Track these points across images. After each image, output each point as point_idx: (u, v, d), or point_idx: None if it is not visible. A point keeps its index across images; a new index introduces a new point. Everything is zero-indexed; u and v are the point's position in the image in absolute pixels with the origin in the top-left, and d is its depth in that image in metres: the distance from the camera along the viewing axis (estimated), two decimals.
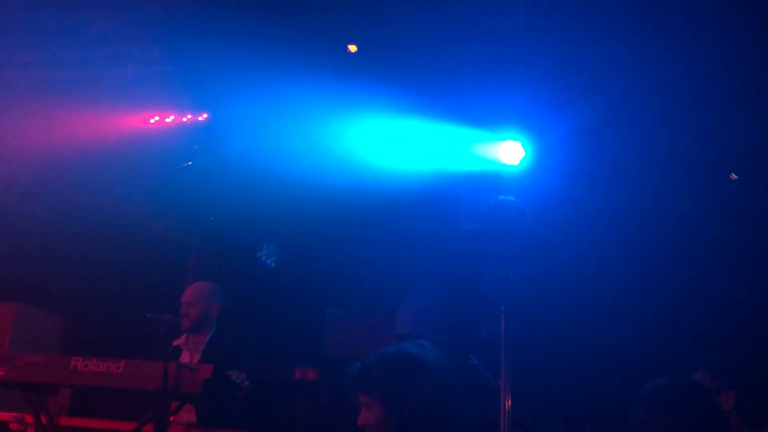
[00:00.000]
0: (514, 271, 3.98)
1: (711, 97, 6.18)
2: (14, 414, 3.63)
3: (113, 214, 6.29)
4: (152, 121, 6.00)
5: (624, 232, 6.95)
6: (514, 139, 5.34)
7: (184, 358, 4.11)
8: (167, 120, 6.02)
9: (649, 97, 6.00)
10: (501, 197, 4.29)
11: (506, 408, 5.32)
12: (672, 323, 7.11)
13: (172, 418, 3.61)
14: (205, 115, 6.15)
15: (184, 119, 6.11)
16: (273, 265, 7.21)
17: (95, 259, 6.11)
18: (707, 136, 6.53)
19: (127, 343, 4.37)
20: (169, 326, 3.75)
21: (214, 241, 7.27)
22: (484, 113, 5.72)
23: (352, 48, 6.58)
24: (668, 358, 6.79)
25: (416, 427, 2.32)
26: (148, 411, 3.43)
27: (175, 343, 4.15)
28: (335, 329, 7.54)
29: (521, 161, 5.32)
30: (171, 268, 6.77)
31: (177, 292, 6.48)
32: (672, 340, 6.97)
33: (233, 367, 3.77)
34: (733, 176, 7.95)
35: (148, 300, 5.73)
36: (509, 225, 4.09)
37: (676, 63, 5.80)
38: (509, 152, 5.37)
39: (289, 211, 7.00)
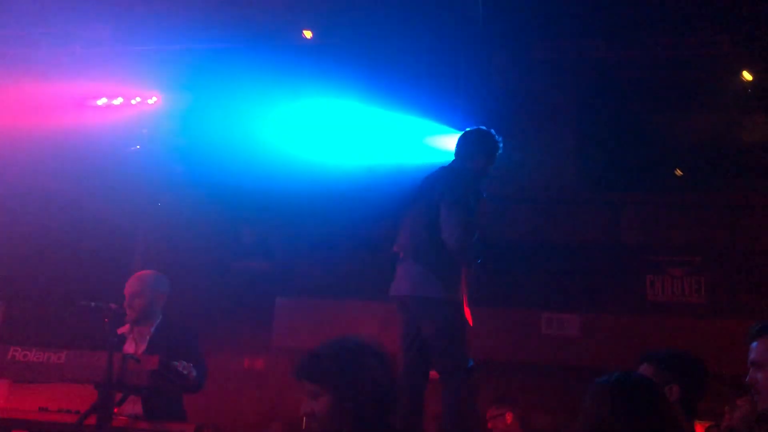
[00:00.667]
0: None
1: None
2: None
3: (56, 198, 6.09)
4: (99, 103, 5.82)
5: (573, 222, 7.09)
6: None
7: (129, 347, 4.00)
8: (115, 102, 5.85)
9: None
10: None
11: None
12: (616, 317, 7.27)
13: (116, 410, 3.52)
14: (155, 99, 5.99)
15: (133, 102, 5.94)
16: None
17: (37, 244, 5.91)
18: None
19: (70, 333, 4.24)
20: (114, 316, 3.66)
21: (162, 228, 7.12)
22: (434, 107, 5.75)
23: (308, 34, 6.50)
24: (612, 349, 6.95)
25: (369, 410, 2.35)
26: (92, 403, 3.35)
27: (119, 331, 4.03)
28: (285, 318, 7.49)
29: None
30: (117, 255, 6.60)
31: (124, 280, 6.34)
32: (616, 334, 7.13)
33: (180, 357, 3.69)
34: (678, 172, 8.16)
35: (92, 288, 5.57)
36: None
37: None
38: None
39: (239, 200, 6.90)
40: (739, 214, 7.25)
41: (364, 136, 6.30)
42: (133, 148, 6.90)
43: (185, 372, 3.59)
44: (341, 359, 2.40)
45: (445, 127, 5.90)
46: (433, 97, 6.07)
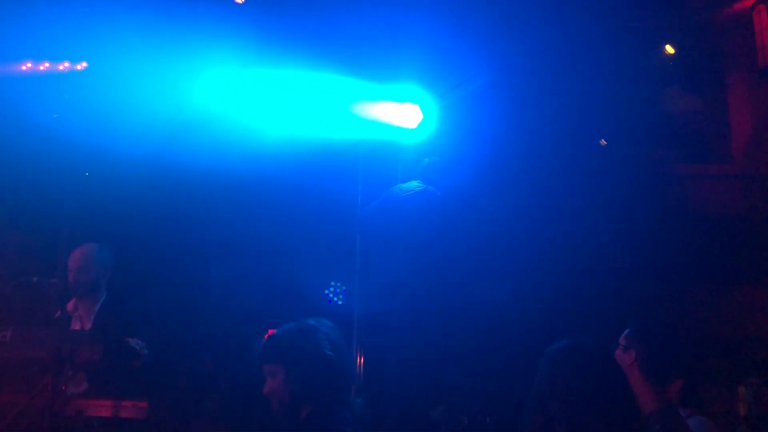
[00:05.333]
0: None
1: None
2: None
3: None
4: (24, 68, 5.49)
5: (504, 191, 7.20)
6: (413, 101, 5.28)
7: (75, 324, 3.86)
8: (41, 68, 5.53)
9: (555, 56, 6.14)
10: (427, 159, 4.71)
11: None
12: (547, 280, 7.48)
13: (63, 388, 3.41)
14: (84, 64, 5.70)
15: (61, 68, 5.64)
16: (340, 302, 7.13)
17: None
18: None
19: (11, 309, 4.05)
20: (57, 291, 3.53)
21: (90, 200, 6.82)
22: (378, 71, 5.54)
23: None
24: (545, 314, 7.17)
25: (319, 382, 2.60)
26: (39, 382, 3.23)
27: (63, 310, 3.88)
28: (220, 289, 7.37)
29: (419, 125, 5.30)
30: (43, 229, 6.30)
31: (51, 255, 6.06)
32: (548, 297, 7.35)
33: (130, 334, 3.60)
34: (603, 142, 8.44)
35: (20, 264, 5.31)
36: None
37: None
38: (406, 115, 5.31)
39: (169, 168, 6.68)
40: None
41: (305, 111, 5.90)
42: (52, 116, 6.57)
43: (138, 348, 3.51)
44: (292, 338, 2.69)
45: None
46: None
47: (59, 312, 3.46)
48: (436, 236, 4.86)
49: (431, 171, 4.99)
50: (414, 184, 4.98)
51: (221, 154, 6.30)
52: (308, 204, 6.60)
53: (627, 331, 2.91)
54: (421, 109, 5.28)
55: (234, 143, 5.96)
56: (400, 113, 5.27)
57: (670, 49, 7.48)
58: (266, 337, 2.83)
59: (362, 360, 5.90)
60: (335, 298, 7.06)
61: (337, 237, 6.18)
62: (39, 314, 3.67)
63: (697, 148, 7.83)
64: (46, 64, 5.90)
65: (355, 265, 6.18)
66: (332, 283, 7.09)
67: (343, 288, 7.06)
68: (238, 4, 6.24)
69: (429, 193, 4.88)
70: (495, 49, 5.89)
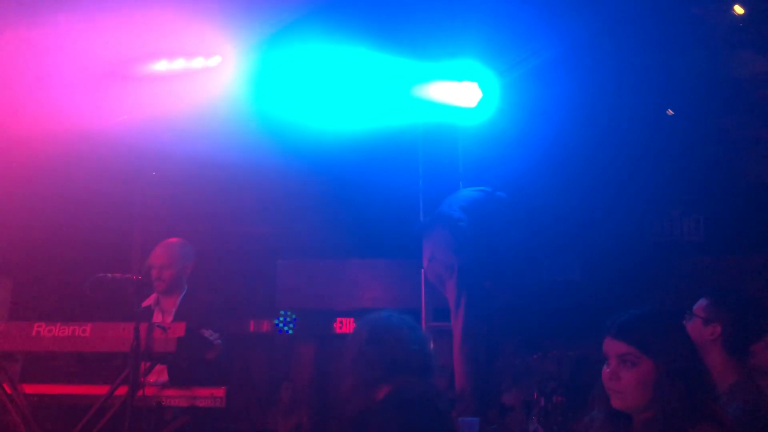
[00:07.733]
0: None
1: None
2: None
3: (53, 173, 5.92)
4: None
5: (574, 170, 7.04)
6: (471, 79, 5.09)
7: (157, 318, 3.96)
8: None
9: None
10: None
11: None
12: (616, 259, 7.31)
13: (142, 380, 3.50)
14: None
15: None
16: (290, 332, 7.27)
17: (36, 220, 5.76)
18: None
19: (90, 306, 4.18)
20: (134, 287, 3.60)
21: (159, 198, 7.00)
22: (432, 47, 5.25)
23: None
24: (614, 292, 7.02)
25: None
26: (119, 374, 3.33)
27: (144, 304, 3.98)
28: (288, 280, 7.50)
29: (479, 104, 5.12)
30: (116, 227, 6.49)
31: (125, 251, 6.23)
32: (617, 275, 7.19)
33: (205, 325, 3.66)
34: (670, 112, 8.16)
35: (93, 261, 5.47)
36: None
37: None
38: (464, 94, 5.12)
39: (236, 164, 6.75)
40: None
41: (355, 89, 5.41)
42: (122, 119, 6.73)
43: (212, 339, 3.57)
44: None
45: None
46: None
47: (138, 306, 3.54)
48: (505, 237, 4.84)
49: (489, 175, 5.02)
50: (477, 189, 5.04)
51: (281, 153, 6.28)
52: (370, 192, 6.59)
53: (704, 302, 2.73)
54: (481, 87, 5.08)
55: (287, 139, 5.86)
56: (457, 92, 5.07)
57: (739, 9, 7.13)
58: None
59: (432, 345, 5.86)
60: (285, 327, 7.24)
61: (401, 228, 6.12)
62: (116, 310, 3.77)
63: None
64: None
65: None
66: (281, 312, 7.24)
67: (293, 317, 7.21)
68: None
69: (492, 197, 4.86)
70: (561, 18, 5.61)
